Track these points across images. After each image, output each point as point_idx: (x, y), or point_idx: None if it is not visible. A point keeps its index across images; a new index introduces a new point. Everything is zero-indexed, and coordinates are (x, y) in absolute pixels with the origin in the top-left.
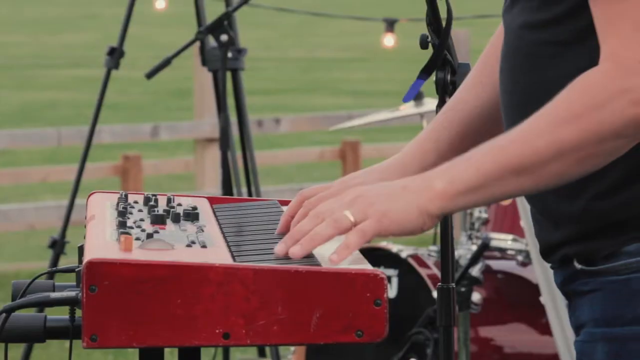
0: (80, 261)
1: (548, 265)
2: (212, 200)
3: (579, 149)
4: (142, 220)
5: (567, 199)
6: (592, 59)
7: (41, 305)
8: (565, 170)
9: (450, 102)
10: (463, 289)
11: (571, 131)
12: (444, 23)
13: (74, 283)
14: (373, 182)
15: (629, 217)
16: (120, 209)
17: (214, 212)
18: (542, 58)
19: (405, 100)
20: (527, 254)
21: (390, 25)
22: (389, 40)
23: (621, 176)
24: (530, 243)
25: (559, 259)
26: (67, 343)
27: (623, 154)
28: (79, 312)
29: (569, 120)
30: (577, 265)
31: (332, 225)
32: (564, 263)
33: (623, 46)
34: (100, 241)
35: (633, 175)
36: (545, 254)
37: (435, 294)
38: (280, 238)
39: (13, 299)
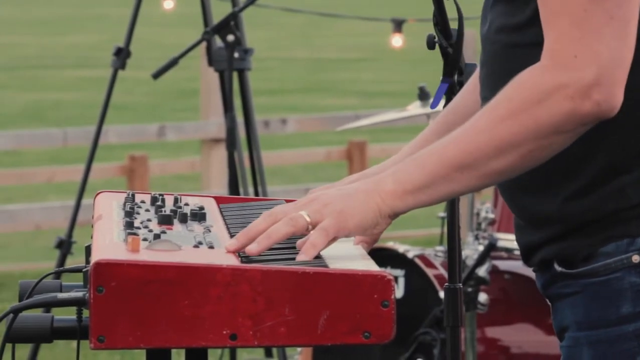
0: (87, 261)
1: None
2: (219, 200)
3: (519, 145)
4: (149, 220)
5: (544, 199)
6: None
7: (48, 305)
8: (508, 167)
9: (451, 105)
10: (470, 289)
11: (510, 127)
12: (451, 23)
13: (82, 283)
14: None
15: (603, 216)
16: (127, 209)
17: (221, 212)
18: (519, 61)
19: (433, 106)
20: None
21: (398, 25)
22: (397, 40)
23: (595, 175)
24: None
25: (539, 261)
26: (73, 343)
27: (594, 152)
28: (86, 313)
29: (507, 116)
30: (557, 268)
31: (289, 223)
32: (543, 266)
33: (559, 41)
34: (108, 242)
35: (606, 175)
36: (526, 257)
37: (442, 294)
38: (288, 240)
39: (20, 299)
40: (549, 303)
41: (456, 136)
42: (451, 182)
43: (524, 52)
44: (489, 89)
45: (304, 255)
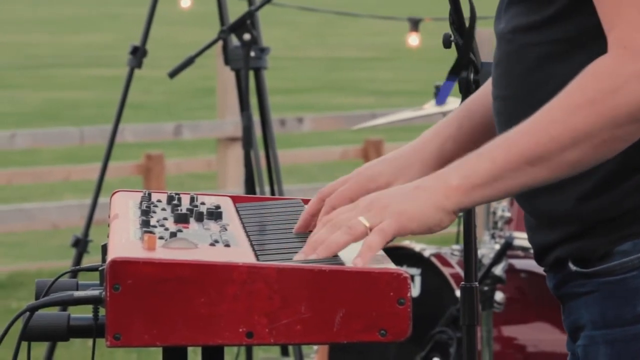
0: (103, 260)
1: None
2: (235, 199)
3: (594, 135)
4: (165, 219)
5: (558, 198)
6: (583, 60)
7: (65, 304)
8: (581, 158)
9: (473, 95)
10: (486, 288)
11: (586, 117)
12: (467, 22)
13: (98, 282)
14: (389, 169)
15: (620, 214)
16: (144, 207)
17: (237, 211)
18: (535, 61)
19: (439, 103)
20: None
21: (415, 24)
22: (413, 39)
23: (610, 173)
24: None
25: (553, 261)
26: (90, 342)
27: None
28: (102, 311)
29: (583, 106)
30: (572, 267)
31: (347, 232)
32: (557, 265)
33: (631, 30)
34: (124, 240)
35: (622, 172)
36: (539, 257)
37: (458, 293)
38: (302, 237)
39: (36, 298)
40: (561, 303)
41: (526, 128)
42: (522, 174)
43: (540, 51)
44: (502, 88)
45: (360, 259)
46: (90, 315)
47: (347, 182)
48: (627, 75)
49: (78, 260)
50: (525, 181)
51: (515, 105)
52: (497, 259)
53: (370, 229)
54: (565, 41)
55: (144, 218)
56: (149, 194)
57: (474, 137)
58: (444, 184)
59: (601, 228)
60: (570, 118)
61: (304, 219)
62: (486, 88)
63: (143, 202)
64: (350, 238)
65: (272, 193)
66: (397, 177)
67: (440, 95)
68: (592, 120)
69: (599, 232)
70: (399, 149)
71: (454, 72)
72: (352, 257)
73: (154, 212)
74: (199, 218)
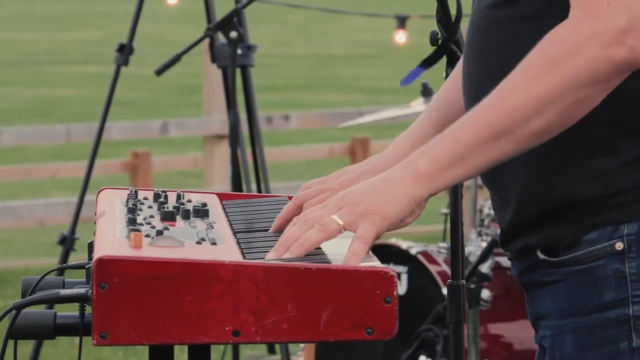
0: (90, 258)
1: None
2: (221, 197)
3: (557, 101)
4: (152, 216)
5: (525, 178)
6: None
7: (51, 302)
8: (546, 126)
9: (444, 100)
10: (473, 286)
11: (547, 83)
12: (453, 18)
13: (84, 279)
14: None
15: (588, 202)
16: (130, 205)
17: (224, 209)
18: (510, 35)
19: (404, 83)
20: None
21: (402, 22)
22: (400, 37)
23: (577, 154)
24: None
25: (519, 249)
26: (77, 340)
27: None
28: (89, 309)
29: (543, 72)
30: (541, 256)
31: (321, 229)
32: (524, 253)
33: None
34: (110, 238)
35: (587, 155)
36: (505, 242)
37: (445, 290)
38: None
39: (23, 295)
40: (525, 291)
41: (489, 102)
42: (488, 149)
43: (514, 26)
44: (473, 63)
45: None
46: (77, 313)
47: (327, 192)
48: (584, 36)
49: (65, 258)
50: (494, 156)
51: (484, 81)
52: (483, 257)
53: (344, 227)
54: (539, 17)
55: (130, 216)
56: (136, 192)
57: None
58: (413, 171)
59: (569, 216)
60: (531, 86)
61: (279, 223)
62: (453, 91)
63: (129, 200)
64: (324, 236)
65: (259, 191)
66: None
67: (407, 77)
68: (553, 86)
69: (567, 221)
70: (376, 158)
71: (428, 63)
72: (338, 254)
73: (141, 209)
74: (186, 216)
